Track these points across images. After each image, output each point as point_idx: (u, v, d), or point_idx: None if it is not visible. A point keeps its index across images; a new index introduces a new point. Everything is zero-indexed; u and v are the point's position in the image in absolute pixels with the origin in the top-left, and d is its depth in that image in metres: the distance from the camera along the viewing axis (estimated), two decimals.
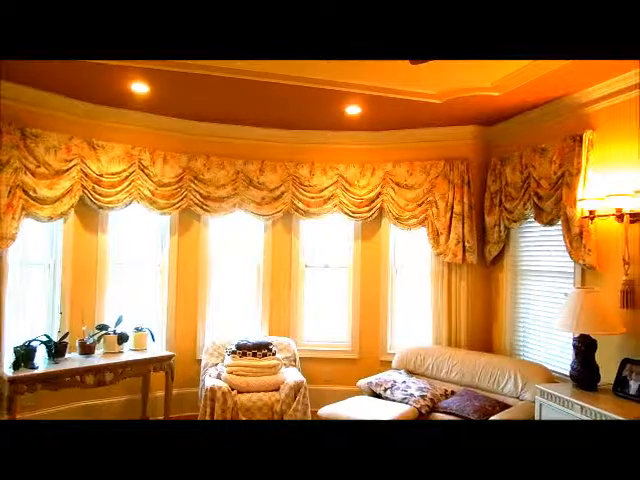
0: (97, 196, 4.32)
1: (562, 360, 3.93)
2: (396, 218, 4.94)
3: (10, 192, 3.79)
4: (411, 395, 4.01)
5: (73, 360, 4.03)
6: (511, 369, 4.00)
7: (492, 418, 3.55)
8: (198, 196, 4.82)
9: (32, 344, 3.83)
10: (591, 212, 3.51)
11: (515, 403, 3.84)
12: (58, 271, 4.38)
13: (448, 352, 4.53)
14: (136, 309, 4.77)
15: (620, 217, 3.33)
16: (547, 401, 3.31)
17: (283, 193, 5.05)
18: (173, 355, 4.47)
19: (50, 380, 3.75)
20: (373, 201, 5.01)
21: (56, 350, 3.98)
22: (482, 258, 4.75)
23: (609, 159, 3.52)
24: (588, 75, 3.40)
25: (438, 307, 4.84)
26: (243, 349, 4.54)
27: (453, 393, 4.15)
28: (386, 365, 4.85)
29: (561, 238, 3.77)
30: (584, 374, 3.30)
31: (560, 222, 3.78)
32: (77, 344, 4.19)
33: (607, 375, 3.28)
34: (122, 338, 4.32)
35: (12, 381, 3.54)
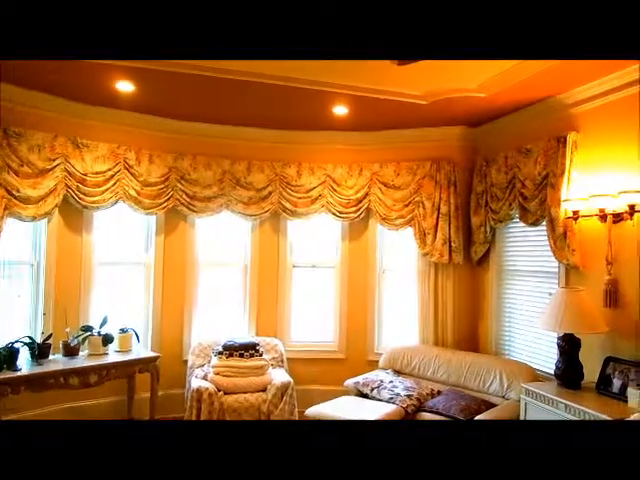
0: (81, 196, 4.27)
1: (547, 359, 3.97)
2: (383, 218, 4.96)
3: None
4: (398, 395, 4.03)
5: (57, 362, 3.97)
6: (497, 368, 4.03)
7: (477, 417, 3.57)
8: (184, 196, 4.79)
9: (15, 346, 3.77)
10: (575, 212, 3.55)
11: (501, 402, 3.87)
12: (42, 271, 4.32)
13: (435, 352, 4.56)
14: (121, 310, 4.72)
15: (603, 217, 3.37)
16: (532, 400, 3.34)
17: (270, 193, 5.04)
18: (159, 356, 4.43)
19: (33, 382, 3.69)
20: (360, 201, 5.02)
21: (39, 352, 3.93)
22: (468, 258, 4.79)
23: (592, 160, 3.57)
24: (572, 77, 3.44)
25: (425, 307, 4.87)
26: (230, 350, 4.52)
27: (439, 393, 4.17)
28: (373, 365, 4.86)
29: (546, 238, 3.82)
30: (568, 373, 3.34)
31: (545, 222, 3.82)
32: (61, 345, 4.14)
33: (591, 373, 3.33)
34: (107, 339, 4.27)
35: None
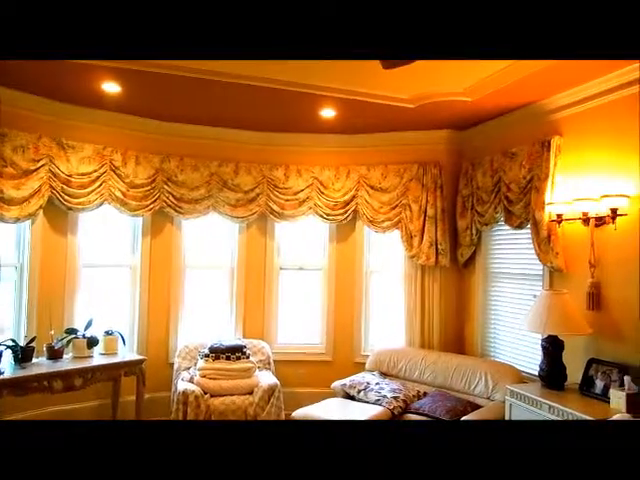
0: (66, 197, 4.23)
1: (531, 360, 4.02)
2: (370, 221, 4.98)
3: None
4: (384, 397, 4.04)
5: (40, 365, 3.92)
6: (482, 370, 4.07)
7: (463, 419, 3.60)
8: (171, 198, 4.76)
9: None
10: (559, 216, 3.60)
11: (486, 403, 3.91)
12: (25, 273, 4.26)
13: (421, 354, 4.58)
14: (106, 312, 4.68)
15: (586, 221, 3.43)
16: (517, 401, 3.38)
17: (258, 195, 5.03)
18: (144, 359, 4.40)
19: (16, 386, 3.64)
20: (348, 204, 5.04)
21: (23, 355, 3.87)
22: (454, 261, 4.83)
23: (576, 164, 3.62)
24: (555, 83, 3.49)
25: (411, 309, 4.89)
26: (216, 352, 4.50)
27: (425, 394, 4.19)
28: (360, 367, 4.87)
29: (530, 241, 3.86)
30: (552, 374, 3.38)
31: (529, 225, 3.86)
32: (45, 348, 4.08)
33: (574, 375, 3.38)
34: (92, 342, 4.23)
35: None
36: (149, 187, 4.67)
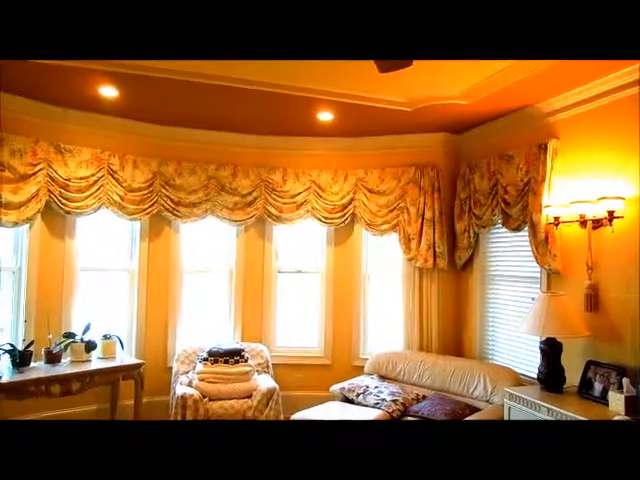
0: (64, 201, 4.23)
1: (530, 363, 4.02)
2: (368, 224, 4.98)
3: None
4: (383, 400, 4.04)
5: (38, 369, 3.91)
6: (481, 373, 4.06)
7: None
8: (169, 201, 4.76)
9: None
10: (556, 218, 3.60)
11: (485, 406, 3.90)
12: (23, 277, 4.25)
13: (420, 357, 4.58)
14: (104, 316, 4.67)
15: (583, 223, 3.44)
16: (515, 404, 3.38)
17: (256, 199, 5.03)
18: (143, 363, 4.39)
19: (14, 390, 3.63)
20: (345, 207, 5.04)
21: (21, 359, 3.87)
22: (452, 263, 4.83)
23: (573, 167, 3.63)
24: (552, 86, 3.50)
25: (410, 312, 4.89)
26: (215, 356, 4.49)
27: (424, 397, 4.19)
28: (359, 370, 4.86)
29: (528, 244, 3.87)
30: (550, 377, 3.38)
31: (527, 228, 3.87)
32: (43, 353, 4.08)
33: (572, 377, 3.38)
34: (90, 346, 4.22)
35: None
36: (147, 191, 4.67)
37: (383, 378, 4.59)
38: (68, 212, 4.29)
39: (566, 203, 3.52)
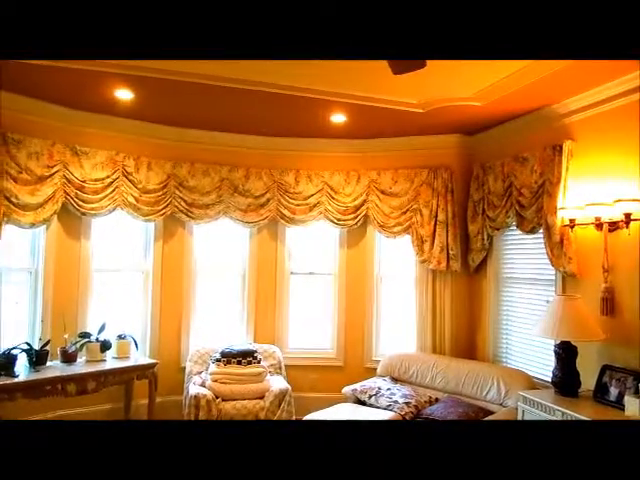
0: (80, 202, 4.28)
1: (544, 367, 3.98)
2: (381, 225, 4.97)
3: None
4: (395, 402, 4.03)
5: (54, 368, 3.97)
6: (494, 376, 4.03)
7: None
8: (183, 203, 4.80)
9: (12, 352, 3.78)
10: (571, 221, 3.57)
11: (498, 410, 3.87)
12: (40, 278, 4.32)
13: (432, 359, 4.56)
14: (119, 316, 4.72)
15: (599, 226, 3.39)
16: (529, 407, 3.35)
17: (268, 200, 5.05)
18: (156, 363, 4.43)
19: (31, 389, 3.69)
20: (358, 208, 5.04)
21: (37, 358, 3.93)
22: (466, 265, 4.80)
23: (588, 169, 3.59)
24: (567, 87, 3.47)
25: (422, 314, 4.87)
26: (228, 357, 4.52)
27: (437, 400, 4.17)
28: (371, 372, 4.86)
29: (543, 246, 3.83)
30: (565, 380, 3.35)
31: (541, 230, 3.84)
32: (59, 352, 4.13)
33: (588, 381, 3.34)
34: (105, 346, 4.27)
35: None
36: (161, 192, 4.71)
37: (395, 380, 4.57)
38: (84, 213, 4.34)
39: (581, 205, 3.48)
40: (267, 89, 3.69)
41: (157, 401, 4.43)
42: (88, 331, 4.35)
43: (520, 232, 4.14)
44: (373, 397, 4.18)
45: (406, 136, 4.92)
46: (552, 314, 3.37)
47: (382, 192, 4.98)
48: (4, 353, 3.73)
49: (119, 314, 4.75)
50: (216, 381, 4.37)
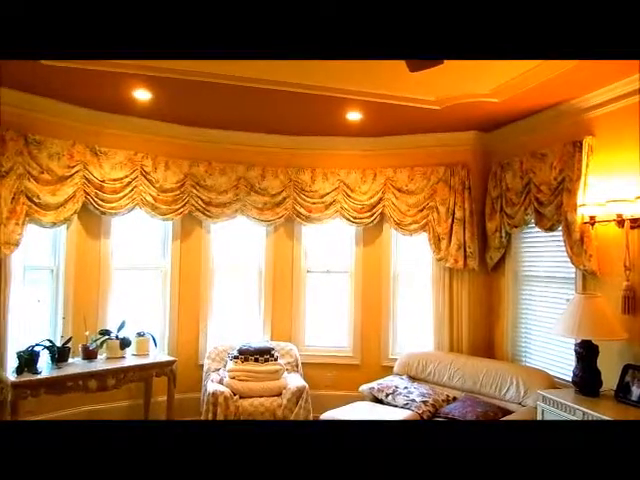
0: (100, 202, 4.35)
1: (564, 366, 3.93)
2: (397, 223, 4.96)
3: (14, 198, 3.82)
4: (413, 401, 4.01)
5: (76, 365, 4.04)
6: (513, 375, 3.99)
7: None
8: (200, 202, 4.84)
9: (35, 349, 3.85)
10: (592, 218, 3.51)
11: (517, 409, 3.83)
12: (61, 276, 4.40)
13: (450, 358, 4.53)
14: (138, 314, 4.78)
15: (621, 223, 3.34)
16: (549, 407, 3.31)
17: (285, 199, 5.07)
18: (175, 360, 4.48)
19: (53, 385, 3.76)
20: (374, 206, 5.03)
21: (59, 355, 4.00)
22: (483, 263, 4.76)
23: (609, 165, 3.53)
24: (588, 81, 3.41)
25: (439, 312, 4.84)
26: (245, 354, 4.55)
27: (455, 399, 4.15)
28: (388, 371, 4.84)
29: (562, 243, 3.78)
30: (586, 380, 3.30)
31: (561, 228, 3.79)
32: (80, 349, 4.20)
33: (609, 381, 3.29)
34: (124, 343, 4.33)
35: (15, 386, 3.56)
36: (178, 191, 4.76)
37: (413, 379, 4.56)
38: (103, 212, 4.41)
39: (602, 202, 3.43)
40: (283, 88, 3.70)
41: (176, 398, 4.48)
42: (108, 328, 4.42)
43: (539, 229, 4.09)
44: (390, 395, 4.17)
45: (422, 133, 4.89)
46: (572, 313, 3.33)
47: (398, 190, 4.96)
48: (27, 350, 3.81)
49: (138, 312, 4.81)
50: (234, 378, 4.40)
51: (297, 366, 4.89)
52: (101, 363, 4.15)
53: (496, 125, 4.58)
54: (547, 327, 4.14)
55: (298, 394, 4.33)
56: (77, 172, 4.22)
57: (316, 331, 5.32)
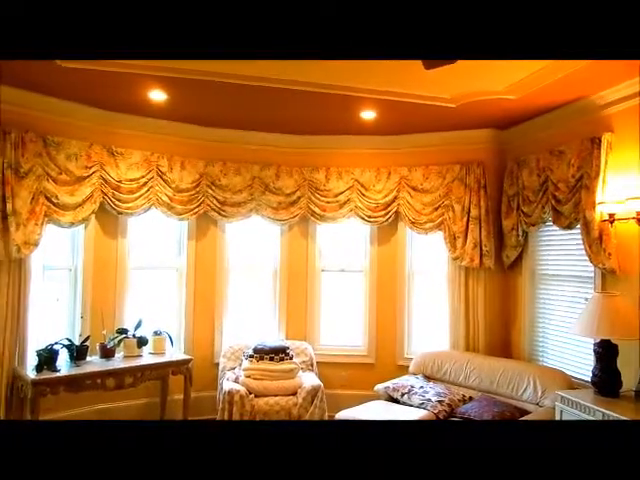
0: (116, 202, 4.39)
1: (583, 366, 3.87)
2: (412, 222, 4.93)
3: (33, 199, 3.88)
4: (429, 400, 3.99)
5: (94, 363, 4.09)
6: (530, 375, 3.95)
7: None
8: (215, 202, 4.87)
9: (54, 347, 3.91)
10: (611, 215, 3.46)
11: (535, 409, 3.79)
12: (79, 276, 4.46)
13: (466, 357, 4.50)
14: (155, 313, 4.83)
15: None
16: (568, 407, 3.26)
17: (299, 198, 5.07)
18: (191, 359, 4.51)
19: (72, 383, 3.82)
20: (389, 205, 5.01)
21: (77, 353, 4.06)
22: (500, 262, 4.71)
23: (629, 162, 3.47)
24: (606, 77, 3.36)
25: (455, 312, 4.81)
26: (260, 353, 4.56)
27: (471, 399, 4.11)
28: (403, 370, 4.82)
29: (581, 242, 3.73)
30: (605, 380, 3.25)
31: (579, 226, 3.73)
32: (98, 347, 4.26)
33: (629, 381, 3.23)
34: (141, 342, 4.38)
35: (35, 383, 3.62)
36: (194, 191, 4.79)
37: (428, 378, 4.53)
38: (120, 212, 4.45)
39: (622, 199, 3.37)
40: (298, 87, 3.70)
41: (192, 396, 4.51)
42: (125, 327, 4.47)
43: (557, 228, 4.04)
44: (406, 395, 4.15)
45: (437, 131, 4.86)
46: (591, 312, 3.28)
47: (413, 188, 4.93)
48: (46, 348, 3.87)
49: (154, 311, 4.86)
50: (249, 377, 4.42)
51: (312, 365, 4.90)
52: (118, 361, 4.19)
53: (512, 122, 4.53)
54: (565, 326, 4.09)
55: (313, 393, 4.34)
56: (94, 172, 4.27)
57: (331, 330, 5.32)
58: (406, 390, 4.20)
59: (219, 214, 4.91)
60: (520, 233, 4.45)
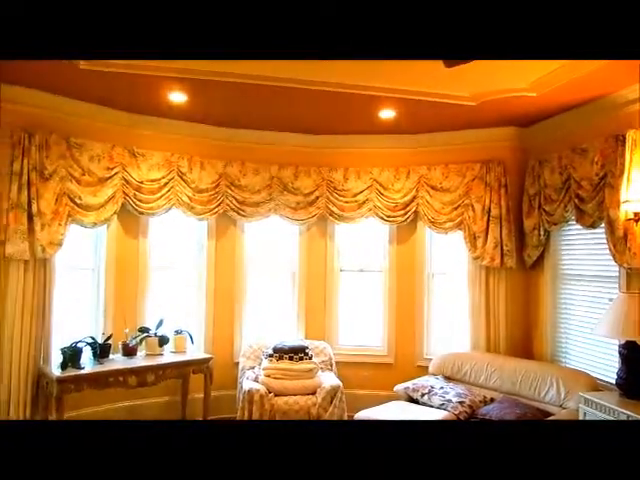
0: (138, 202, 4.46)
1: (607, 368, 3.80)
2: (431, 222, 4.90)
3: (57, 200, 3.96)
4: (449, 401, 3.96)
5: (116, 361, 4.16)
6: (553, 376, 3.89)
7: None
8: (234, 201, 4.91)
9: (78, 345, 3.98)
10: (636, 214, 3.38)
11: (558, 411, 3.73)
12: (102, 275, 4.53)
13: (487, 358, 4.45)
14: (176, 312, 4.89)
15: None
16: (592, 409, 3.21)
17: (318, 198, 5.08)
18: (211, 358, 4.55)
19: (95, 380, 3.88)
20: (408, 205, 4.98)
21: (101, 351, 4.12)
22: (521, 262, 4.65)
23: None
24: (630, 73, 3.28)
25: (476, 312, 4.76)
26: (280, 352, 4.58)
27: (492, 400, 4.07)
28: (422, 370, 4.79)
29: (604, 241, 3.66)
30: (631, 382, 3.19)
31: (603, 224, 3.67)
32: (120, 346, 4.33)
33: None
34: (163, 340, 4.44)
35: (60, 381, 3.69)
36: (213, 192, 4.83)
37: (448, 379, 4.49)
38: (141, 213, 4.52)
39: None
40: (316, 87, 3.71)
41: (212, 395, 4.55)
42: (147, 326, 4.53)
43: (580, 227, 3.97)
44: (426, 395, 4.13)
45: (457, 130, 4.82)
46: (616, 312, 3.22)
47: (432, 188, 4.90)
48: (71, 346, 3.94)
49: (175, 310, 4.91)
50: (269, 376, 4.44)
51: (331, 365, 4.90)
52: (140, 360, 4.26)
53: (533, 120, 4.47)
54: (588, 327, 4.01)
55: (333, 393, 4.34)
56: (116, 174, 4.34)
57: (350, 330, 5.31)
58: (426, 390, 4.17)
59: (238, 214, 4.94)
60: (542, 232, 4.39)
